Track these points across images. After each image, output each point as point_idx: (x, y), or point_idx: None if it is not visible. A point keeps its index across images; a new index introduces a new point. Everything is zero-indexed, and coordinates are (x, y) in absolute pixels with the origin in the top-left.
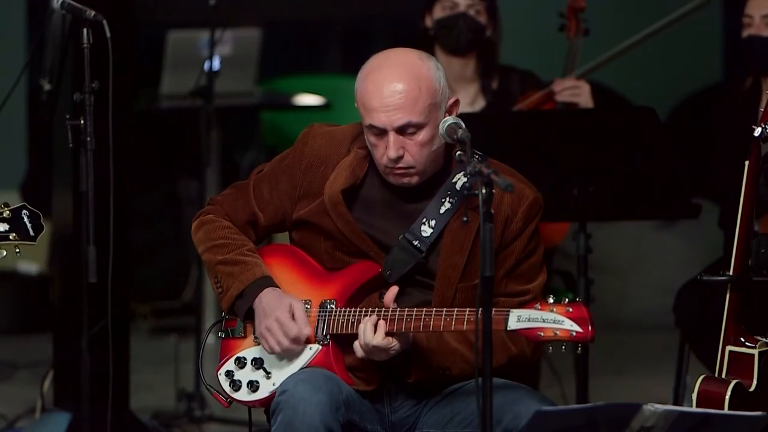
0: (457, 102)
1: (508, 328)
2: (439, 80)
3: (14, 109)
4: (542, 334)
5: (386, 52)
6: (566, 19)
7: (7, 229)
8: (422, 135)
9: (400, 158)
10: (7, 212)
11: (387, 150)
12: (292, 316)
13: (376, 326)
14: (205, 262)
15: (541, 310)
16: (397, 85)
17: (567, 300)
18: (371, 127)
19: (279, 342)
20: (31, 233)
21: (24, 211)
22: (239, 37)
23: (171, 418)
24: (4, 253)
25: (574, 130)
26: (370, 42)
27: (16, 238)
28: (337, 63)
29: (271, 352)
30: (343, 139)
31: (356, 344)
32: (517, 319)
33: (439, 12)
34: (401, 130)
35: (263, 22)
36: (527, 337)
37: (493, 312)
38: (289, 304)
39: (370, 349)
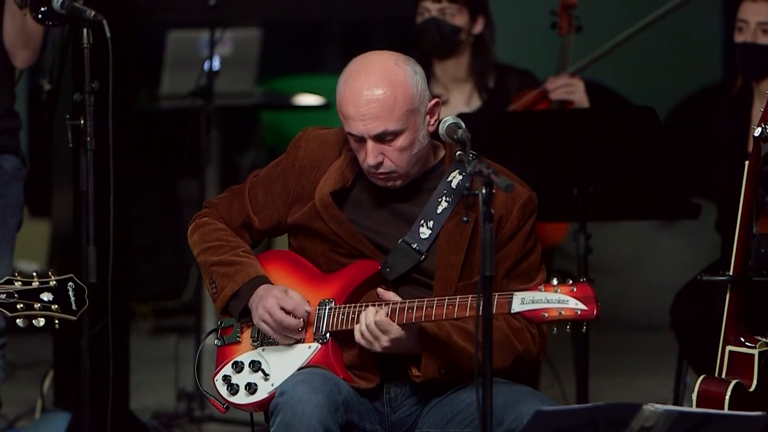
0: (437, 103)
1: (512, 311)
2: (416, 85)
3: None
4: (547, 314)
5: (365, 56)
6: (558, 16)
7: (50, 299)
8: (401, 141)
9: (379, 164)
10: (54, 282)
11: (366, 156)
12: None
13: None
14: (201, 263)
15: (545, 291)
16: (372, 94)
17: (571, 281)
18: (350, 133)
19: (274, 315)
20: (73, 308)
21: (70, 283)
22: (239, 37)
23: (171, 418)
24: (42, 321)
25: (574, 130)
26: (370, 42)
27: (58, 310)
28: (337, 63)
29: (271, 336)
30: (335, 142)
31: (356, 329)
32: (521, 301)
33: (418, 18)
34: (379, 138)
35: (263, 22)
36: (532, 318)
37: (496, 296)
38: (286, 288)
39: (372, 330)
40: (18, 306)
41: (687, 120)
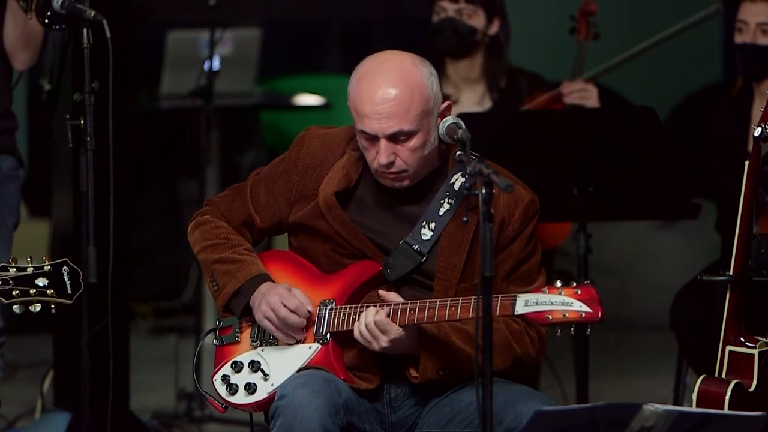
0: (449, 106)
1: (516, 313)
2: (432, 86)
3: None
4: (551, 317)
5: (380, 55)
6: (577, 22)
7: (46, 284)
8: (414, 141)
9: (391, 163)
10: (48, 266)
11: (378, 156)
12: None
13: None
14: (201, 261)
15: (549, 293)
16: (389, 92)
17: (574, 283)
18: (362, 132)
19: (277, 311)
20: (69, 291)
21: (64, 267)
22: (239, 37)
23: (171, 418)
24: (39, 307)
25: (574, 130)
26: (370, 42)
27: (54, 294)
28: (337, 63)
29: (273, 333)
30: (338, 142)
31: (355, 327)
32: (525, 303)
33: (434, 17)
34: (392, 137)
35: (263, 22)
36: (536, 320)
37: (500, 297)
38: (289, 287)
39: (371, 329)
40: (14, 292)
41: (687, 120)
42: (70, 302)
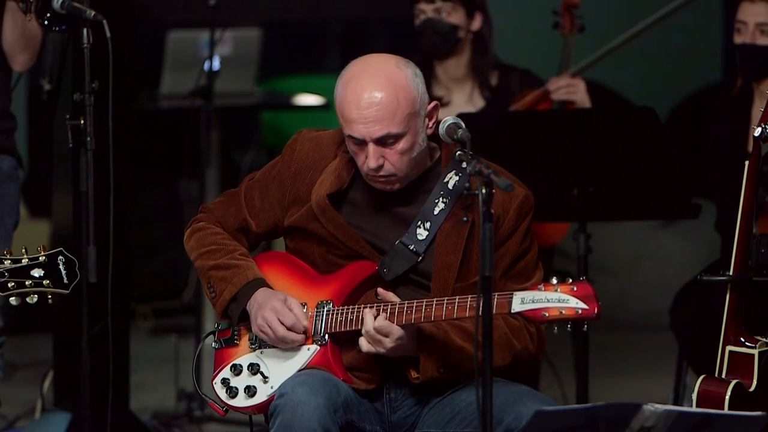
0: (436, 106)
1: (512, 311)
2: (417, 88)
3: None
4: (547, 314)
5: (364, 59)
6: (560, 16)
7: (41, 275)
8: (402, 144)
9: (380, 167)
10: (44, 257)
11: (367, 160)
12: (289, 309)
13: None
14: (198, 268)
15: (545, 290)
16: (374, 96)
17: (570, 280)
18: (350, 136)
19: (275, 330)
20: (65, 281)
21: (60, 257)
22: (239, 37)
23: (171, 418)
24: (36, 298)
25: (575, 130)
26: (370, 42)
27: (50, 285)
28: (337, 63)
29: (271, 344)
30: (330, 144)
31: (361, 339)
32: (521, 301)
33: (416, 20)
34: (380, 141)
35: (263, 22)
36: (532, 318)
37: (496, 296)
38: (284, 297)
39: (372, 335)
40: (9, 284)
41: (687, 120)
42: (67, 292)
